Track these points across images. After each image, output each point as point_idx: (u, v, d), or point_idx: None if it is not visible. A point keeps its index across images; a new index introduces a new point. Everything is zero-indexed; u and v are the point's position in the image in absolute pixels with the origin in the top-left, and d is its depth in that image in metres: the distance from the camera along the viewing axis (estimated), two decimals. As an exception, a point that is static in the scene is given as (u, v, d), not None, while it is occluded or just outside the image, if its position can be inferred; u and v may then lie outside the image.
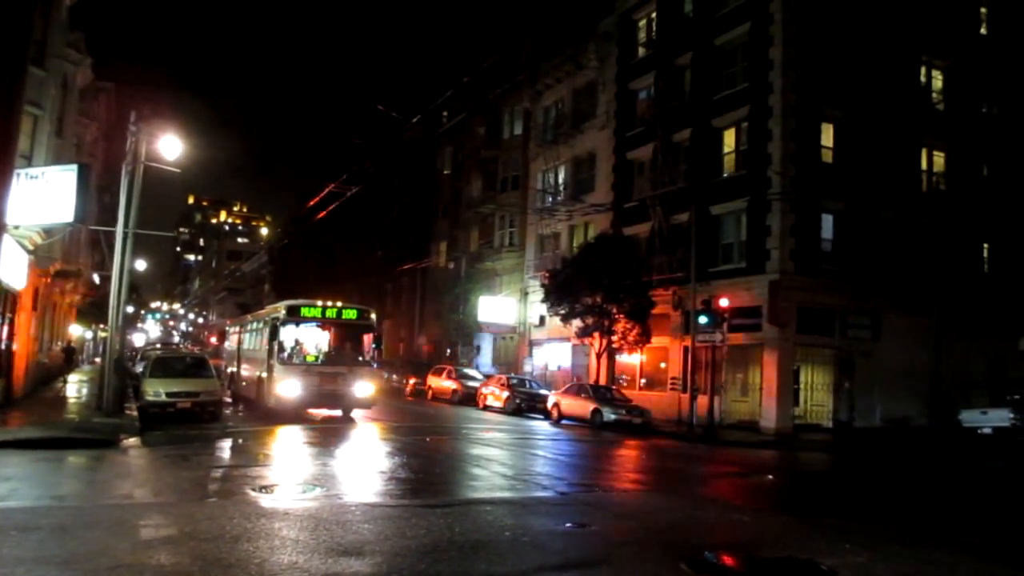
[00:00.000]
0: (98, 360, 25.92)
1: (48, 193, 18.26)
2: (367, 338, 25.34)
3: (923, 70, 32.80)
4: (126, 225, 21.62)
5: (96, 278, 41.59)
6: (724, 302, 26.73)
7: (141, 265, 43.94)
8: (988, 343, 31.48)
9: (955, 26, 32.96)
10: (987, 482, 18.26)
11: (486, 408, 33.40)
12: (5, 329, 21.14)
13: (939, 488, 16.68)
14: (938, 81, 33.30)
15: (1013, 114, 34.42)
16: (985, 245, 33.70)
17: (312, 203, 50.46)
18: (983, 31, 34.54)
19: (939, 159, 32.97)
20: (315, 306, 24.63)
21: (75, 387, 31.08)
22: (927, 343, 27.26)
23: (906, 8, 31.21)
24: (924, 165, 32.59)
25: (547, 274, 34.84)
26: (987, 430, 26.14)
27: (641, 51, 37.21)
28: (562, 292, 32.59)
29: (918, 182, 32.20)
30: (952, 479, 18.46)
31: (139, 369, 28.41)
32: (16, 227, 18.89)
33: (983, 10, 34.59)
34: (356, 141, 56.45)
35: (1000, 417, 25.95)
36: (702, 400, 27.12)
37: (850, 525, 10.86)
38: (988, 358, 31.67)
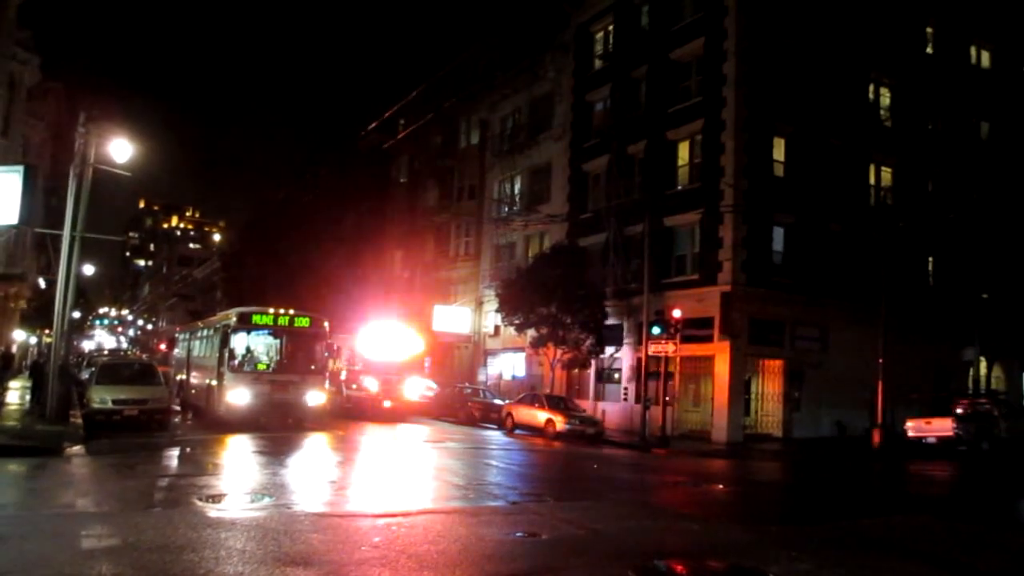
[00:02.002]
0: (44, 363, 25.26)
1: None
2: (319, 347, 25.10)
3: (871, 87, 33.56)
4: (73, 228, 21.18)
5: (42, 282, 40.66)
6: (677, 313, 27.01)
7: (89, 270, 43.04)
8: (933, 354, 32.23)
9: (902, 45, 33.79)
10: (932, 491, 18.64)
11: (440, 418, 33.29)
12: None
13: (884, 496, 16.99)
14: (886, 98, 34.09)
15: (957, 132, 35.36)
16: (930, 259, 34.52)
17: (268, 209, 50.08)
18: (929, 50, 35.45)
19: (886, 174, 33.73)
20: (267, 313, 24.36)
21: (17, 394, 30.31)
22: (874, 354, 27.80)
23: (855, 27, 31.93)
24: (872, 180, 33.32)
25: (502, 284, 34.87)
26: (931, 439, 26.72)
27: (597, 63, 37.50)
28: (516, 302, 32.64)
29: (866, 196, 32.90)
30: (897, 487, 18.82)
31: (85, 376, 27.83)
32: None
33: (929, 30, 35.51)
34: (313, 152, 56.11)
35: (944, 427, 26.53)
36: (654, 410, 27.33)
37: (797, 533, 11.01)
38: (933, 369, 32.42)
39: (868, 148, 32.63)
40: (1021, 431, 27.60)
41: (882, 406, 27.62)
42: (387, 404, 31.19)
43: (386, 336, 38.51)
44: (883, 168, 33.59)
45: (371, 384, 31.96)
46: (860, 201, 32.33)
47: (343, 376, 33.93)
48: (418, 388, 35.17)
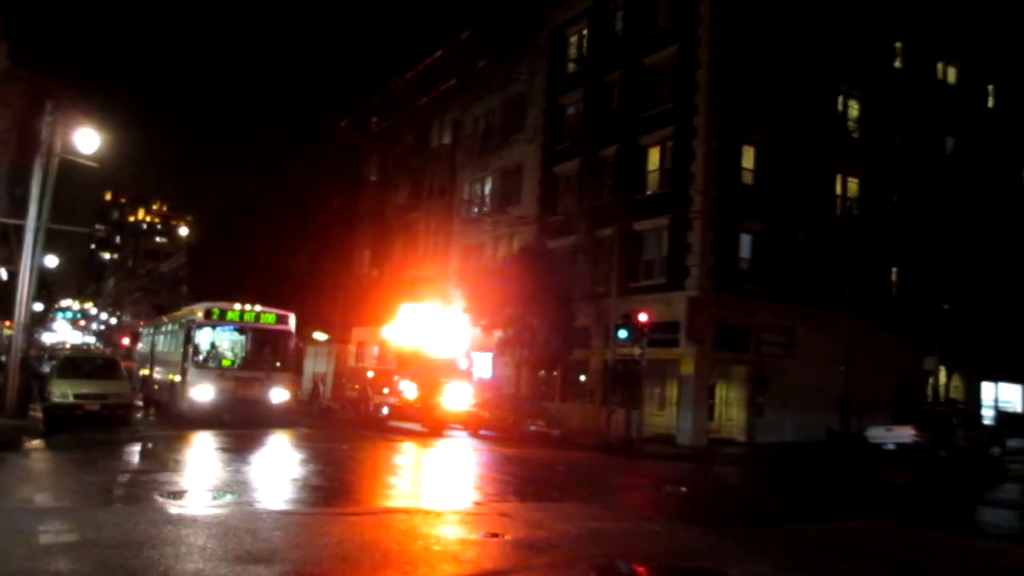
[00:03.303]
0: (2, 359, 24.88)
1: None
2: (286, 343, 24.92)
3: (840, 99, 34.00)
4: (38, 219, 20.88)
5: (3, 273, 39.99)
6: (643, 317, 27.16)
7: (52, 261, 42.40)
8: (895, 363, 32.72)
9: (871, 59, 34.27)
10: (891, 496, 18.94)
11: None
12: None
13: (843, 501, 17.22)
14: (854, 110, 34.56)
15: (923, 145, 35.94)
16: (894, 269, 35.05)
17: (236, 203, 49.62)
18: (897, 64, 36.00)
19: (853, 185, 34.20)
20: (232, 309, 24.17)
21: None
22: (838, 362, 28.18)
23: (826, 39, 32.32)
24: (839, 190, 33.77)
25: (470, 284, 34.83)
26: (891, 446, 27.13)
27: (571, 66, 37.63)
28: (484, 303, 32.62)
29: (833, 206, 33.35)
30: (857, 493, 19.10)
31: (46, 369, 27.42)
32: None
33: (898, 45, 36.07)
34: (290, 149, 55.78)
35: (903, 434, 26.95)
36: (620, 413, 27.47)
37: (757, 536, 11.15)
38: (895, 377, 32.92)
39: (836, 159, 33.07)
40: (978, 439, 28.18)
41: (845, 413, 28.01)
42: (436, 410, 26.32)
43: (427, 325, 28.47)
44: (850, 179, 34.06)
45: (409, 388, 26.27)
46: (827, 211, 32.77)
47: (370, 375, 28.34)
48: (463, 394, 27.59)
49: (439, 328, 28.61)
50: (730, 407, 30.73)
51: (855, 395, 28.64)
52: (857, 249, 30.77)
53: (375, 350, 28.69)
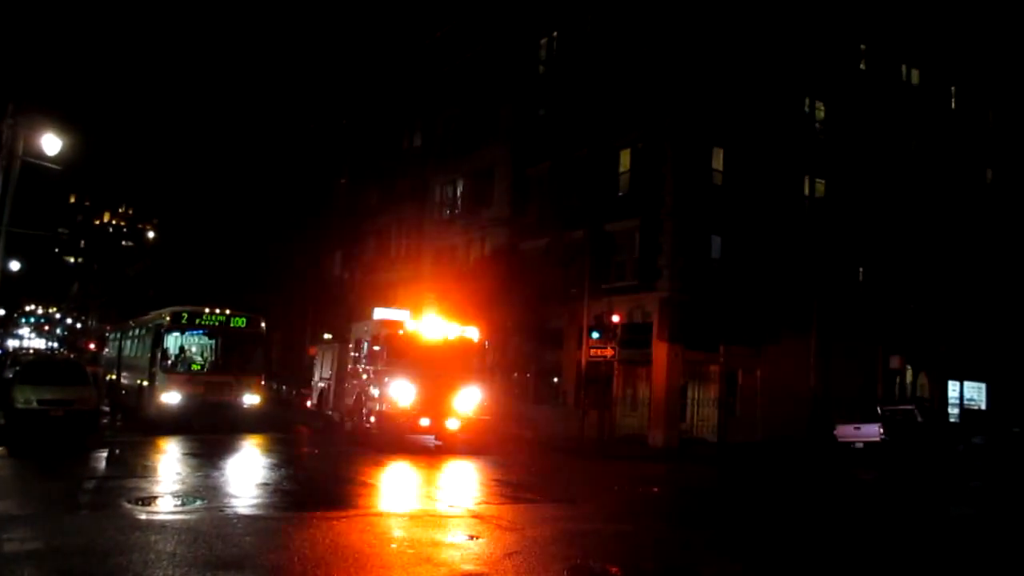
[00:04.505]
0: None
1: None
2: (257, 347, 24.69)
3: (807, 102, 34.33)
4: (-1, 223, 20.52)
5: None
6: (615, 318, 27.24)
7: (15, 266, 41.70)
8: (862, 361, 33.09)
9: (836, 61, 34.62)
10: (858, 494, 19.14)
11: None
12: None
13: (813, 500, 17.37)
14: (820, 112, 34.90)
15: (888, 146, 36.36)
16: (860, 269, 35.44)
17: (204, 206, 49.23)
18: (862, 67, 36.43)
19: (820, 186, 34.53)
20: (201, 313, 23.90)
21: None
22: (807, 361, 28.44)
23: (791, 43, 32.56)
24: (807, 191, 34.07)
25: (442, 287, 34.72)
26: (859, 444, 27.44)
27: (541, 68, 37.66)
28: (457, 305, 32.54)
29: (801, 207, 33.63)
30: (826, 491, 19.28)
31: (8, 375, 26.92)
32: None
33: (862, 47, 36.49)
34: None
35: (871, 432, 27.26)
36: (592, 415, 27.51)
37: (729, 536, 11.21)
38: (862, 375, 33.29)
39: (803, 160, 33.35)
40: (943, 437, 28.56)
41: (813, 412, 28.26)
42: (425, 422, 21.20)
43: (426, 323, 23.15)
44: (817, 180, 34.37)
45: (401, 392, 21.01)
46: (795, 212, 33.04)
47: (365, 377, 22.78)
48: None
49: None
50: (702, 407, 30.87)
51: (825, 394, 28.91)
52: (825, 250, 31.05)
53: (364, 345, 23.25)
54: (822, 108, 34.90)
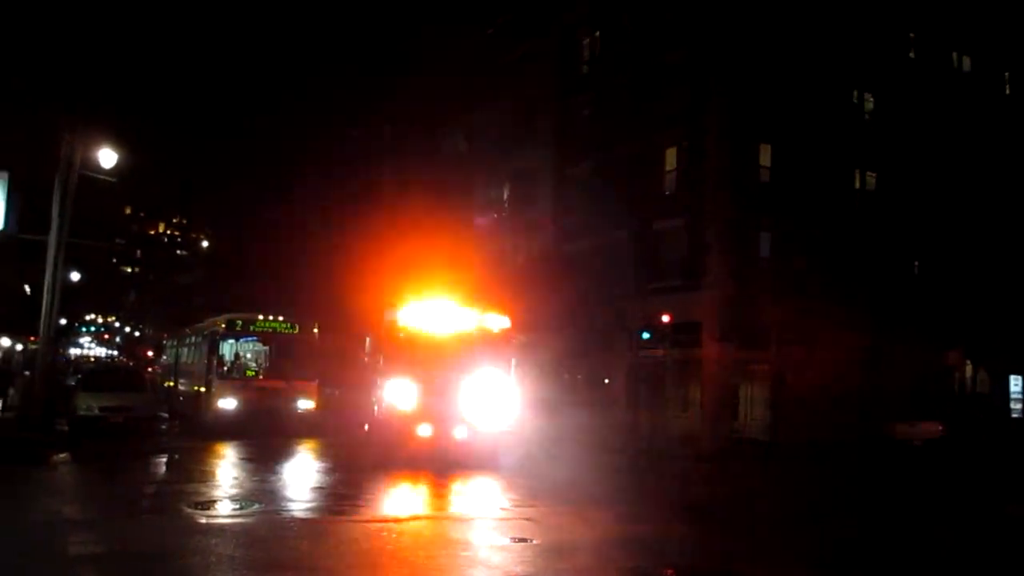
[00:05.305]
0: (27, 374, 25.21)
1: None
2: (309, 352, 24.95)
3: (855, 93, 33.74)
4: (59, 234, 21.04)
5: (28, 288, 40.36)
6: (664, 318, 27.03)
7: (75, 276, 42.77)
8: (920, 357, 32.33)
9: (885, 51, 33.96)
10: (917, 495, 18.72)
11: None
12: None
13: (870, 501, 17.04)
14: (869, 104, 34.27)
15: (941, 135, 35.51)
16: (916, 263, 34.69)
17: (258, 213, 49.99)
18: (912, 55, 35.68)
19: (871, 179, 33.91)
20: (255, 319, 24.26)
21: None
22: (859, 357, 27.93)
23: (838, 33, 32.03)
24: (857, 184, 33.48)
25: (489, 291, 34.71)
26: (917, 443, 26.86)
27: (584, 68, 37.56)
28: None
29: (852, 201, 33.04)
30: (882, 491, 18.89)
31: (71, 383, 27.65)
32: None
33: (911, 34, 35.75)
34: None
35: (930, 430, 26.68)
36: (643, 415, 27.35)
37: (787, 540, 11.04)
38: (918, 372, 32.54)
39: (853, 153, 32.79)
40: (1003, 433, 27.86)
41: (867, 410, 27.73)
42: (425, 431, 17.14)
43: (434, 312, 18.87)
44: (868, 173, 33.76)
45: (396, 395, 17.47)
46: (846, 206, 32.46)
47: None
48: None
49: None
50: (754, 406, 30.50)
51: (879, 391, 28.36)
52: (877, 244, 30.48)
53: (367, 341, 20.46)
54: (871, 99, 34.26)
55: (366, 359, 20.34)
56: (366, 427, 19.04)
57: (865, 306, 28.16)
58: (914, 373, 32.24)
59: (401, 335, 17.98)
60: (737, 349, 28.87)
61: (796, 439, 29.11)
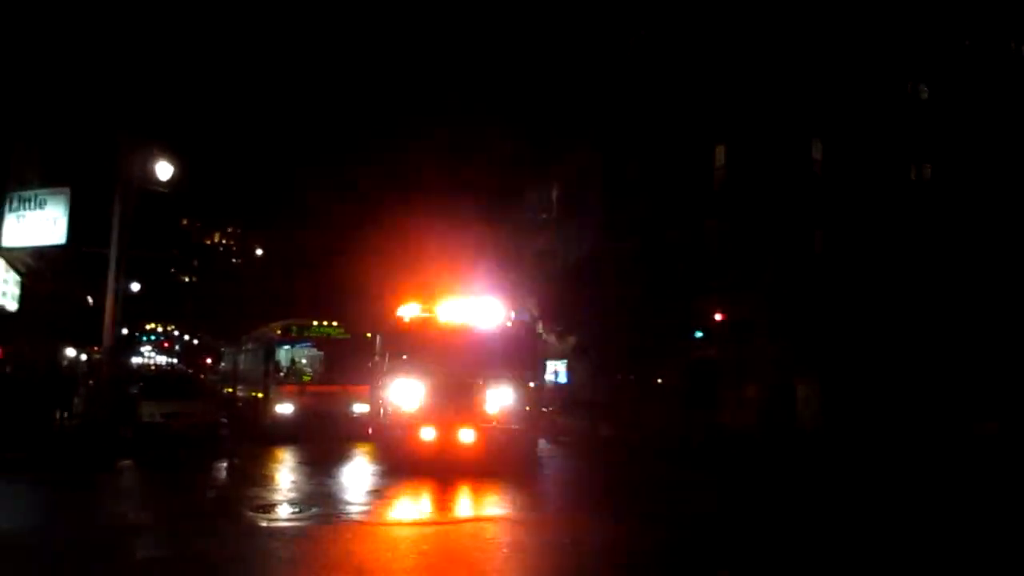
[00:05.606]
0: (91, 383, 25.91)
1: (39, 216, 18.38)
2: (362, 357, 25.19)
3: (909, 84, 32.99)
4: (119, 246, 21.57)
5: (90, 299, 41.44)
6: (717, 317, 26.76)
7: (135, 287, 43.78)
8: (983, 352, 31.44)
9: (939, 40, 33.15)
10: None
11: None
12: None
13: (937, 502, 16.62)
14: (924, 94, 33.46)
15: (1001, 121, 34.46)
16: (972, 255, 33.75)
17: (309, 220, 50.51)
18: (967, 43, 34.76)
19: (927, 171, 33.12)
20: (310, 325, 24.59)
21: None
22: (918, 351, 27.26)
23: (890, 25, 31.34)
24: (913, 177, 32.74)
25: (540, 291, 34.75)
26: (983, 440, 26.06)
27: (631, 67, 37.38)
28: (556, 309, 32.59)
29: (908, 195, 32.31)
30: (953, 492, 18.41)
31: (133, 390, 28.32)
32: (10, 249, 18.91)
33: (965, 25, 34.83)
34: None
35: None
36: (698, 414, 27.09)
37: (851, 544, 10.83)
38: (985, 367, 31.61)
39: (907, 146, 32.07)
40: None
41: (940, 405, 27.01)
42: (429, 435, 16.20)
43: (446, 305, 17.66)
44: (924, 165, 32.99)
45: (398, 397, 16.43)
46: (902, 200, 31.74)
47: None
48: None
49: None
50: (810, 405, 29.98)
51: (947, 388, 27.58)
52: (936, 236, 29.75)
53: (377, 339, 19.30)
54: (925, 90, 33.47)
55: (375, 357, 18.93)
56: (370, 430, 18.55)
57: (927, 300, 27.44)
58: (979, 368, 31.35)
59: (401, 335, 17.02)
60: (790, 347, 28.44)
61: (854, 436, 28.56)
